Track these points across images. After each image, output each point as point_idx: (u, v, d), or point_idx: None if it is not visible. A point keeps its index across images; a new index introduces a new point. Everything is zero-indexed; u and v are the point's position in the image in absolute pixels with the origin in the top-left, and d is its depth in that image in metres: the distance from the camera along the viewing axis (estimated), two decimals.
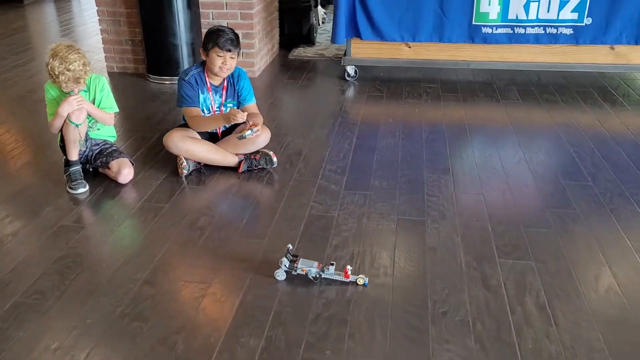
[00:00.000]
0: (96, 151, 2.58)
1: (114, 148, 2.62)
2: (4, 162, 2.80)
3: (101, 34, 4.17)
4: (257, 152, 2.71)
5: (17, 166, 2.76)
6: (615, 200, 2.42)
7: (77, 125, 2.42)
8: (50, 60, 2.35)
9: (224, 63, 2.63)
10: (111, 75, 4.20)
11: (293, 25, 4.85)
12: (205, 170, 2.68)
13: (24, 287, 1.88)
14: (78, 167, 2.49)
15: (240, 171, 2.66)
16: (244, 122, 2.62)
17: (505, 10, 3.68)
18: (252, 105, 2.79)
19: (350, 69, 4.05)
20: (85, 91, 2.51)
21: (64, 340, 1.65)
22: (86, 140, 2.53)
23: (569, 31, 3.69)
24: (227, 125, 2.76)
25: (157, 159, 2.79)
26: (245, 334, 1.68)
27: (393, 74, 4.18)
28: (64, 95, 2.44)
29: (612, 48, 3.72)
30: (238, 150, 2.69)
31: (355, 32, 3.87)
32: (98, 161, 2.56)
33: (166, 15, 3.83)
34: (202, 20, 4.00)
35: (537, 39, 3.74)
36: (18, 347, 1.63)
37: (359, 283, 1.89)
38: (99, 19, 4.14)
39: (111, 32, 4.13)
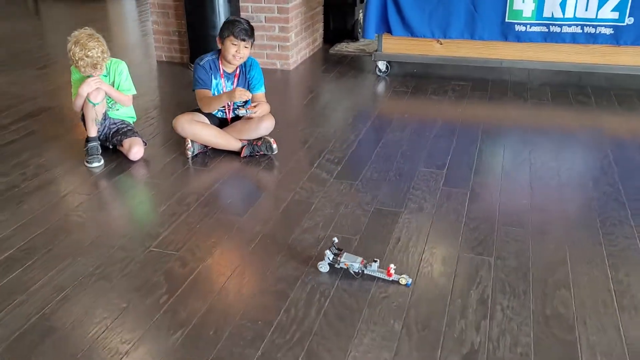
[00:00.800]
0: (113, 130, 2.82)
1: (130, 128, 2.85)
2: (41, 134, 3.12)
3: (152, 25, 4.48)
4: (259, 138, 2.84)
5: (49, 138, 3.07)
6: (609, 205, 2.33)
7: (94, 105, 2.67)
8: (72, 47, 2.61)
9: (237, 51, 2.80)
10: (159, 63, 4.50)
11: (338, 21, 4.94)
12: (210, 153, 2.85)
13: (19, 243, 2.14)
14: (95, 144, 2.74)
15: (242, 156, 2.81)
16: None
17: (541, 7, 3.57)
18: (259, 94, 2.93)
19: (382, 65, 4.09)
20: (105, 75, 2.76)
21: (36, 293, 1.87)
22: (104, 119, 2.79)
23: (608, 31, 3.52)
24: (238, 113, 2.93)
25: (172, 140, 3.00)
26: (192, 299, 1.83)
27: (426, 70, 4.17)
28: (85, 77, 2.70)
29: None
30: (242, 136, 2.84)
31: (386, 27, 3.90)
32: (114, 139, 2.80)
33: (208, 8, 4.06)
34: (241, 14, 4.18)
35: (574, 39, 3.60)
36: None
37: (401, 283, 1.87)
38: (150, 11, 4.46)
39: (160, 24, 4.43)
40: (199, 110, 2.90)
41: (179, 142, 2.92)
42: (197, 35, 4.20)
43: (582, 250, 2.03)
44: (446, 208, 2.33)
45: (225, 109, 2.93)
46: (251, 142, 2.83)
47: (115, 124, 2.84)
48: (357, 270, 1.90)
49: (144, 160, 2.80)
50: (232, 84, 2.91)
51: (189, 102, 3.57)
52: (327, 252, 1.93)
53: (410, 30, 3.86)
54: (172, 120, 2.83)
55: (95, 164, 2.70)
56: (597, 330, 1.65)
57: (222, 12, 4.09)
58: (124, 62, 2.82)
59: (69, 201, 2.44)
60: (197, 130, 2.78)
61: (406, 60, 4.09)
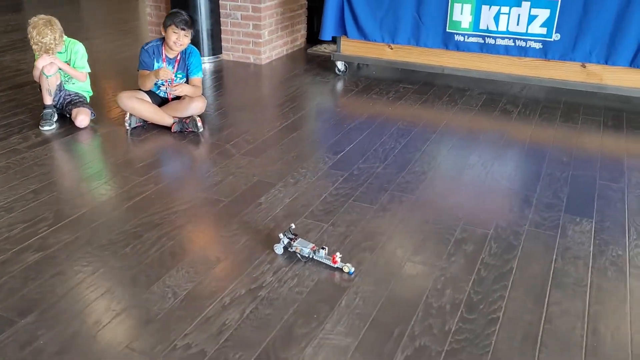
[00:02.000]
0: (67, 100, 3.32)
1: (81, 100, 3.34)
2: (18, 101, 3.65)
3: (147, 17, 5.01)
4: (188, 117, 3.27)
5: (23, 104, 3.60)
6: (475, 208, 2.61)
7: (47, 77, 3.17)
8: (30, 31, 3.12)
9: (177, 39, 3.24)
10: None
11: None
12: (147, 127, 3.30)
13: None
14: (49, 110, 3.25)
15: (172, 131, 3.24)
16: (186, 95, 3.26)
17: (477, 20, 3.84)
18: (196, 78, 3.36)
19: (340, 65, 4.44)
20: (62, 52, 3.26)
21: None
22: (60, 90, 3.28)
23: (538, 45, 3.75)
24: (174, 95, 3.37)
25: (124, 114, 3.46)
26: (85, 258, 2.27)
27: (384, 72, 4.49)
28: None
29: (584, 66, 3.71)
30: (175, 113, 3.28)
31: (343, 30, 4.25)
32: (67, 108, 3.30)
33: (190, 5, 4.53)
34: (220, 11, 4.64)
35: (507, 51, 3.84)
36: None
37: (344, 270, 2.02)
38: (147, 4, 4.98)
39: (153, 16, 4.95)
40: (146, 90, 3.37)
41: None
42: None
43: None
44: (319, 185, 2.68)
45: (167, 92, 3.38)
46: (181, 120, 3.26)
47: (69, 95, 3.33)
48: (305, 255, 2.07)
49: (91, 128, 3.28)
50: (173, 67, 3.35)
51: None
52: (282, 236, 2.11)
53: (363, 34, 4.20)
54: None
55: (47, 127, 3.20)
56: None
57: (203, 9, 4.56)
58: (80, 43, 3.32)
59: (8, 155, 2.95)
60: (135, 105, 3.23)
61: (362, 62, 4.43)
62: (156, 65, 3.33)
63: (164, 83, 3.30)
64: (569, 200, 2.56)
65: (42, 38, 3.08)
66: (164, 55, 3.32)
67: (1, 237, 2.21)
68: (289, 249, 2.11)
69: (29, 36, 3.13)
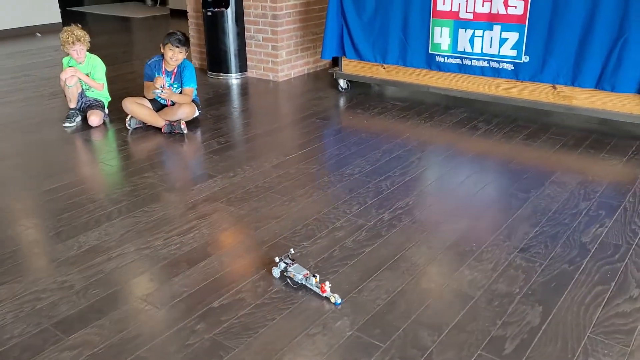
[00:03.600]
0: (87, 104, 4.04)
1: (97, 104, 4.05)
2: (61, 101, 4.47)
3: (189, 38, 5.73)
4: (177, 120, 3.84)
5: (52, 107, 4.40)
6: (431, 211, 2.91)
7: (69, 87, 3.92)
8: (65, 29, 3.90)
9: (173, 55, 3.85)
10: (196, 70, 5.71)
11: None
12: (145, 128, 3.92)
13: None
14: (72, 112, 4.00)
15: (162, 131, 3.83)
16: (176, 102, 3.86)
17: (455, 42, 4.06)
18: (187, 88, 3.95)
19: (342, 82, 4.82)
20: (83, 65, 3.99)
21: None
22: (81, 97, 4.01)
23: (509, 67, 3.89)
24: (165, 101, 3.97)
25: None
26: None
27: (385, 90, 4.81)
28: (70, 66, 3.97)
29: (554, 87, 3.78)
30: (166, 117, 3.87)
31: (342, 50, 4.65)
32: (86, 111, 4.01)
33: (219, 29, 5.18)
34: (245, 34, 5.23)
35: (482, 72, 4.02)
36: None
37: (331, 300, 2.05)
38: (190, 29, 5.71)
39: (195, 37, 5.66)
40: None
41: None
42: (212, 49, 5.34)
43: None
44: (256, 175, 3.11)
45: (166, 100, 3.99)
46: (170, 123, 3.84)
47: (89, 100, 4.05)
48: (297, 281, 2.14)
49: (102, 127, 3.98)
50: (170, 79, 3.96)
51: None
52: (280, 261, 2.20)
53: (359, 55, 4.56)
54: None
55: (67, 124, 3.95)
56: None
57: (230, 32, 5.19)
58: (99, 59, 4.05)
59: (30, 141, 3.69)
60: (135, 109, 3.87)
61: (360, 80, 4.77)
62: (156, 76, 3.96)
63: (160, 90, 3.91)
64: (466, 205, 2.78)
65: (75, 31, 3.86)
66: (163, 69, 3.94)
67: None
68: (284, 274, 2.18)
69: (63, 35, 3.89)
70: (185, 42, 3.88)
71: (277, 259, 2.20)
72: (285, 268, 2.16)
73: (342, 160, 3.37)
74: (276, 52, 5.15)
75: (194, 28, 5.66)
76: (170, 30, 3.91)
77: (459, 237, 2.49)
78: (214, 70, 5.39)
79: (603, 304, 2.03)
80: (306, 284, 2.12)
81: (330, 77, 5.26)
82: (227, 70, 5.32)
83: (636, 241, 2.43)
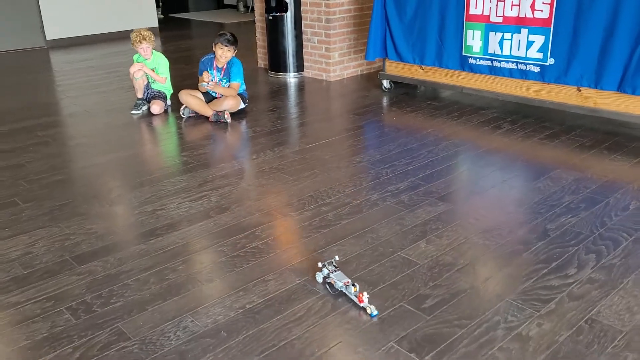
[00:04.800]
0: (152, 95, 4.64)
1: (160, 95, 4.64)
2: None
3: (257, 41, 6.26)
4: (223, 111, 4.32)
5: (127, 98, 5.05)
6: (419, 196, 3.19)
7: (136, 79, 4.53)
8: (136, 29, 4.52)
9: (222, 53, 4.36)
10: (260, 69, 6.25)
11: None
12: (196, 116, 4.44)
13: (74, 132, 4.09)
14: (139, 101, 4.61)
15: (209, 120, 4.34)
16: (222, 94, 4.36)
17: (486, 44, 4.21)
18: (234, 83, 4.43)
19: (386, 82, 5.09)
20: (150, 62, 4.60)
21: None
22: (147, 88, 4.62)
23: (536, 69, 3.98)
24: (216, 94, 4.47)
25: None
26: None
27: (430, 92, 5.02)
28: (138, 61, 4.59)
29: (579, 89, 3.82)
30: (214, 107, 4.37)
31: (385, 52, 4.92)
32: (151, 101, 4.62)
33: (279, 33, 5.64)
34: (303, 36, 5.65)
35: (510, 73, 4.13)
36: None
37: (367, 312, 2.04)
38: (256, 31, 6.23)
39: (260, 40, 6.17)
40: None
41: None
42: (272, 51, 5.81)
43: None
44: (275, 158, 3.50)
45: (216, 93, 4.50)
46: (217, 113, 4.33)
47: (154, 92, 4.66)
48: (337, 288, 2.17)
49: (163, 114, 4.56)
50: (220, 74, 4.46)
51: (253, 91, 5.18)
52: (324, 267, 2.23)
53: (399, 56, 4.82)
54: None
55: (134, 112, 4.57)
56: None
57: (289, 35, 5.64)
58: (164, 57, 4.65)
59: (102, 124, 4.34)
60: (188, 99, 4.41)
61: (402, 81, 5.01)
62: (210, 71, 4.48)
63: (207, 83, 4.42)
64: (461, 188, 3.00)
65: (143, 32, 4.49)
66: (214, 65, 4.46)
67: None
68: (327, 280, 2.23)
69: (132, 35, 4.53)
70: (233, 41, 4.36)
71: (320, 264, 2.25)
72: (328, 274, 2.21)
73: (356, 150, 3.67)
74: (329, 54, 5.53)
75: (259, 31, 6.18)
76: (221, 32, 4.41)
77: (431, 217, 2.72)
78: (274, 69, 5.87)
79: (535, 278, 2.19)
80: (345, 292, 2.15)
81: (374, 79, 5.55)
82: (285, 70, 5.79)
83: (600, 231, 2.53)
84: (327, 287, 2.20)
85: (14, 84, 5.94)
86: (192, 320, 2.02)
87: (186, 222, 2.76)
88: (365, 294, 2.06)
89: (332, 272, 2.19)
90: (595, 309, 2.00)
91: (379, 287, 2.17)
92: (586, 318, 1.95)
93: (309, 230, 2.64)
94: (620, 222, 2.60)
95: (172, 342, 1.91)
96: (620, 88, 3.62)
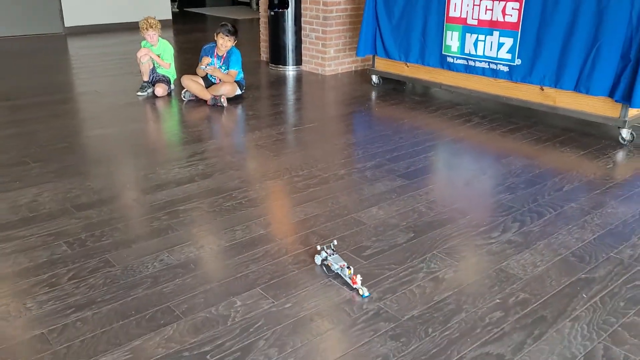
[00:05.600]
0: (157, 79, 5.06)
1: (164, 79, 5.05)
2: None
3: (261, 36, 6.66)
4: (220, 95, 4.72)
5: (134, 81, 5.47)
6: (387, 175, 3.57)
7: (142, 63, 4.95)
8: (142, 19, 4.94)
9: (223, 42, 4.77)
10: (262, 62, 6.65)
11: None
12: (196, 100, 4.85)
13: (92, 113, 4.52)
14: (145, 84, 5.04)
15: (207, 104, 4.74)
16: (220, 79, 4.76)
17: (462, 45, 4.57)
18: (232, 70, 4.83)
19: (375, 78, 5.47)
20: (155, 48, 5.01)
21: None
22: (152, 72, 5.04)
23: (505, 69, 4.33)
24: (215, 80, 4.87)
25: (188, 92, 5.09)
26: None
27: (417, 88, 5.39)
28: (145, 47, 5.01)
29: (542, 89, 4.17)
30: (212, 92, 4.77)
31: (374, 49, 5.29)
32: (155, 84, 5.03)
33: (280, 28, 6.05)
34: (302, 32, 6.04)
35: (483, 72, 4.49)
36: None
37: (359, 292, 2.16)
38: (260, 26, 6.64)
39: (263, 34, 6.57)
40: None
41: None
42: (273, 45, 6.22)
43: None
44: (261, 137, 3.88)
45: (216, 77, 4.90)
46: (214, 97, 4.74)
47: (158, 76, 5.08)
48: (334, 270, 2.29)
49: (166, 97, 4.97)
50: (220, 61, 4.87)
51: (251, 81, 5.56)
52: (323, 251, 2.36)
53: (387, 54, 5.20)
54: None
55: (139, 93, 5.00)
56: None
57: (289, 31, 6.04)
58: (169, 44, 5.06)
59: (109, 102, 4.76)
60: (189, 84, 4.82)
61: (389, 76, 5.38)
62: (211, 59, 4.89)
63: (205, 66, 4.82)
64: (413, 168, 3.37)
65: (151, 19, 4.91)
66: (215, 53, 4.87)
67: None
68: (324, 262, 2.36)
69: (140, 23, 4.95)
70: (234, 32, 4.77)
71: (318, 247, 2.40)
72: (326, 257, 2.34)
73: (335, 134, 4.06)
74: (325, 50, 5.92)
75: (263, 26, 6.59)
76: (223, 22, 4.82)
77: (388, 189, 3.10)
78: (274, 62, 6.27)
79: (463, 238, 2.56)
80: (340, 274, 2.27)
81: (366, 74, 5.93)
82: (284, 63, 6.19)
83: (530, 206, 2.89)
84: (324, 269, 2.33)
85: (33, 65, 6.40)
86: (168, 255, 2.41)
87: (173, 183, 3.16)
88: (358, 276, 2.21)
89: (330, 255, 2.32)
90: (505, 262, 2.37)
91: (328, 239, 2.55)
92: (495, 268, 2.32)
93: (279, 195, 3.03)
94: (551, 200, 2.96)
95: (149, 270, 2.31)
96: (576, 88, 3.97)
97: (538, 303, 2.10)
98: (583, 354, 1.85)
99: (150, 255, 2.41)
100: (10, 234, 2.58)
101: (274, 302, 2.10)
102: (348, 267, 2.24)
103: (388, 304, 2.09)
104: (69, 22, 8.50)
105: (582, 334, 1.94)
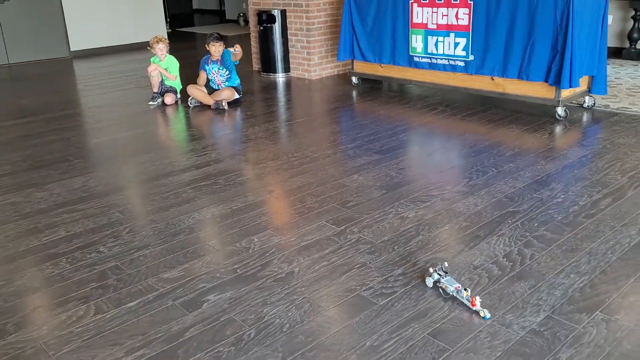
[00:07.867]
0: (165, 90, 5.83)
1: (172, 90, 5.82)
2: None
3: (253, 48, 7.46)
4: (221, 100, 5.50)
5: (144, 94, 6.22)
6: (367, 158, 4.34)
7: (152, 77, 5.72)
8: (153, 37, 5.70)
9: (215, 49, 5.56)
10: (255, 71, 7.43)
11: None
12: (201, 106, 5.61)
13: (106, 119, 5.26)
14: (155, 95, 5.80)
15: (211, 108, 5.52)
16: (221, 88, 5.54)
17: (426, 46, 5.38)
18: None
19: (354, 79, 6.27)
20: (163, 62, 5.78)
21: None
22: (161, 85, 5.81)
23: (462, 64, 5.14)
24: (219, 86, 5.63)
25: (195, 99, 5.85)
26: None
27: (394, 86, 6.18)
28: (154, 62, 5.77)
29: (492, 79, 4.98)
30: (215, 98, 5.55)
31: (352, 54, 6.09)
32: (164, 94, 5.80)
33: (269, 40, 6.84)
34: (289, 43, 6.84)
35: (444, 68, 5.29)
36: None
37: (480, 315, 2.10)
38: (250, 40, 7.44)
39: (254, 47, 7.37)
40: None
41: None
42: (263, 55, 7.01)
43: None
44: (254, 132, 4.65)
45: (217, 83, 5.67)
46: (216, 101, 5.51)
47: (166, 87, 5.85)
48: (449, 292, 2.24)
49: (174, 105, 5.74)
50: (217, 64, 5.65)
51: (245, 88, 6.32)
52: (435, 272, 2.33)
53: (363, 57, 5.99)
54: None
55: (151, 103, 5.77)
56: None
57: (277, 42, 6.84)
58: (175, 59, 5.85)
59: (125, 111, 5.50)
60: (194, 92, 5.60)
61: (367, 77, 6.18)
62: (206, 67, 5.68)
63: (214, 79, 5.61)
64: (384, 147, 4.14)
65: (159, 37, 5.69)
66: (209, 61, 5.66)
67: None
68: (437, 284, 2.32)
69: (151, 40, 5.74)
70: (221, 37, 5.60)
71: (431, 270, 2.38)
72: (439, 279, 2.31)
73: (322, 125, 4.84)
74: (310, 57, 6.71)
75: (253, 40, 7.39)
76: (209, 33, 5.63)
77: (366, 162, 3.87)
78: (265, 71, 7.06)
79: (419, 191, 3.33)
80: (457, 296, 2.23)
81: (348, 78, 6.72)
82: (274, 71, 6.97)
83: (477, 167, 3.66)
84: (440, 291, 2.32)
85: (49, 86, 7.15)
86: (198, 214, 3.17)
87: (194, 167, 3.92)
88: (477, 298, 2.17)
89: (443, 277, 2.29)
90: (454, 205, 3.15)
91: (320, 197, 3.32)
92: (447, 208, 3.10)
93: (279, 170, 3.80)
94: (494, 162, 3.75)
95: (185, 224, 3.07)
96: (519, 76, 4.78)
97: (475, 227, 2.88)
98: (502, 254, 2.62)
99: (184, 215, 3.17)
100: (74, 207, 3.34)
101: (282, 238, 2.86)
102: (465, 289, 2.20)
103: (365, 234, 2.86)
104: (74, 46, 9.26)
105: (505, 243, 2.72)
